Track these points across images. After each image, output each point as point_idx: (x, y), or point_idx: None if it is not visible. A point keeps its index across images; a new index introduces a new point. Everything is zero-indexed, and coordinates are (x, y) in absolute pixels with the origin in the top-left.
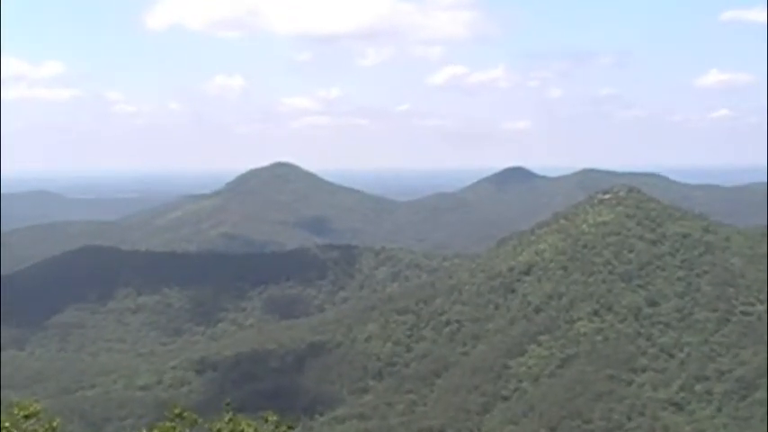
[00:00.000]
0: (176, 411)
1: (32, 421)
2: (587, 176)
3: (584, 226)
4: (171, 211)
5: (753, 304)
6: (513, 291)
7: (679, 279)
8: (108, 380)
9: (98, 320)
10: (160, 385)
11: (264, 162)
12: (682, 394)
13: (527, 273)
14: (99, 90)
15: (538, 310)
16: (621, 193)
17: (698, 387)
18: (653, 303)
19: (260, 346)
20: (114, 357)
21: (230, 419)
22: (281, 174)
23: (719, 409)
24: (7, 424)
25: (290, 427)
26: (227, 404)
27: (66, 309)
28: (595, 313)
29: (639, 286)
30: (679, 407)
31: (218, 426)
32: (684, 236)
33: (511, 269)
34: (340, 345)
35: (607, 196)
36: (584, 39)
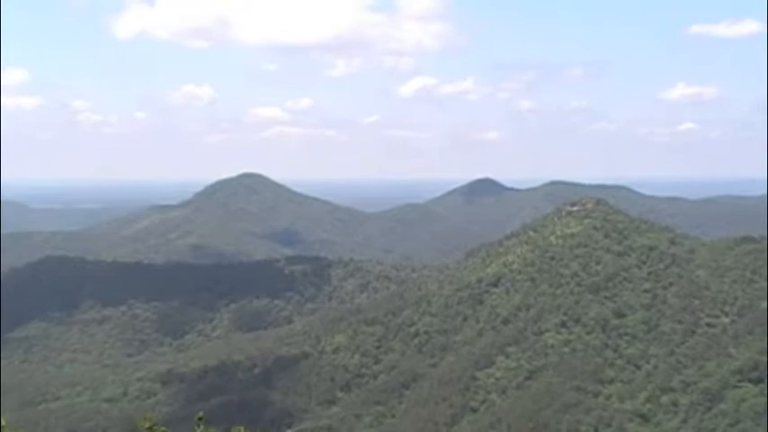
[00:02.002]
0: (147, 425)
1: None
2: (555, 188)
3: (551, 238)
4: (137, 221)
5: (718, 316)
6: (481, 302)
7: (645, 291)
8: (73, 392)
9: (62, 332)
10: (126, 397)
11: (233, 172)
12: (648, 405)
13: (495, 284)
14: (65, 98)
15: (506, 322)
16: (589, 206)
17: (664, 398)
18: (620, 315)
19: (227, 358)
20: (79, 369)
21: None
22: (250, 184)
23: (685, 421)
24: None
25: None
26: (200, 418)
27: (30, 320)
28: (563, 325)
29: (606, 298)
30: (645, 418)
31: None
32: (651, 248)
33: (479, 280)
34: (308, 356)
35: (575, 208)
36: (553, 51)
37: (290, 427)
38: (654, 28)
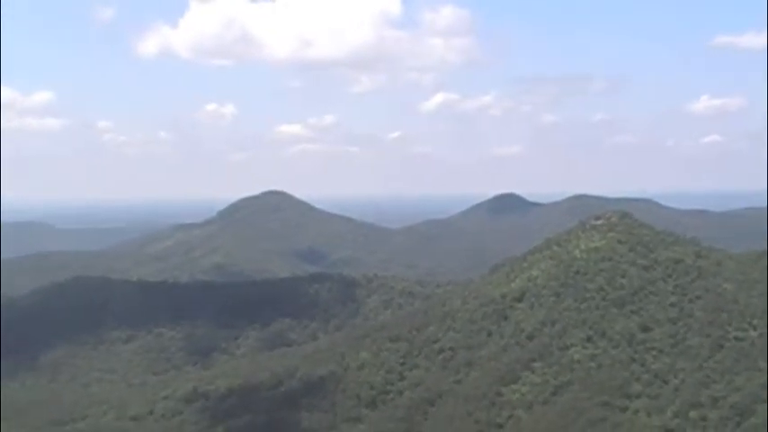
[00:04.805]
0: None
1: None
2: (579, 202)
3: (576, 252)
4: (162, 240)
5: (746, 330)
6: (506, 317)
7: (672, 305)
8: (99, 411)
9: (88, 351)
10: (152, 416)
11: (256, 190)
12: (676, 421)
13: (520, 299)
14: (89, 119)
15: (531, 337)
16: (613, 219)
17: (692, 413)
18: (646, 329)
19: (252, 376)
20: (105, 388)
21: None
22: (273, 202)
23: None
24: None
25: None
26: None
27: (57, 339)
28: (588, 339)
29: (632, 312)
30: None
31: None
32: (677, 261)
33: (504, 296)
34: (333, 373)
35: (599, 222)
36: (576, 64)
37: None
38: (677, 40)
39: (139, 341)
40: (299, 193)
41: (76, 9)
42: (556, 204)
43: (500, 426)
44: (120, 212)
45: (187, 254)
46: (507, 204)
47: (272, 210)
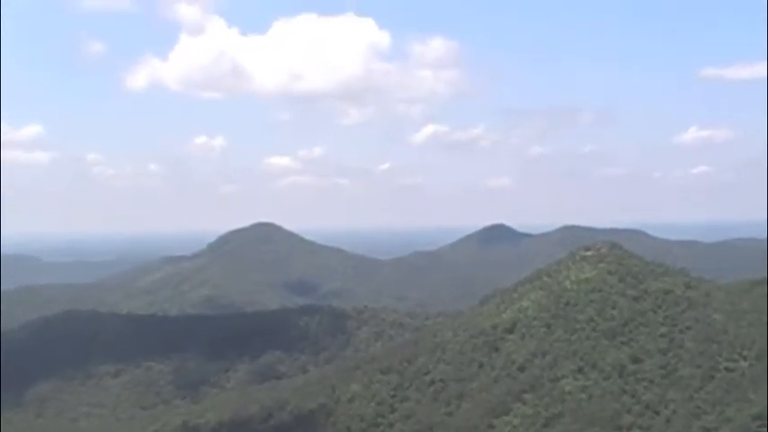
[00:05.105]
0: None
1: None
2: (569, 233)
3: (566, 283)
4: (151, 272)
5: (736, 360)
6: (496, 349)
7: (662, 335)
8: None
9: (77, 385)
10: None
11: (246, 222)
12: None
13: (510, 330)
14: (78, 152)
15: (522, 369)
16: (603, 250)
17: None
18: (637, 360)
19: (242, 409)
20: (94, 423)
21: None
22: (263, 234)
23: None
24: None
25: None
26: None
27: (45, 373)
28: (579, 371)
29: (623, 343)
30: None
31: None
32: (666, 292)
33: (494, 327)
34: (323, 406)
35: (589, 253)
36: (565, 96)
37: None
38: (665, 72)
39: (128, 375)
40: (289, 224)
41: (66, 42)
42: (546, 235)
43: None
44: (110, 245)
45: (177, 287)
46: (497, 235)
47: (261, 242)
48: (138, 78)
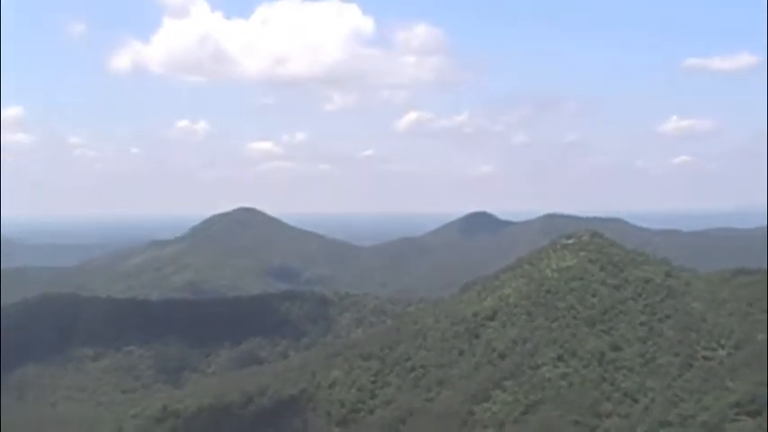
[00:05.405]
0: None
1: None
2: (551, 221)
3: (547, 271)
4: (133, 256)
5: (714, 349)
6: (477, 336)
7: (642, 324)
8: (67, 430)
9: (56, 369)
10: None
11: (228, 207)
12: None
13: (491, 318)
14: (60, 135)
15: (502, 356)
16: (584, 238)
17: None
18: (616, 348)
19: (223, 395)
20: (73, 407)
21: None
22: (245, 219)
23: None
24: None
25: None
26: None
27: (24, 357)
28: (559, 358)
29: (603, 331)
30: None
31: None
32: (647, 281)
33: (475, 314)
34: (304, 392)
35: (570, 241)
36: (549, 85)
37: None
38: (649, 61)
39: (108, 359)
40: (272, 210)
41: (48, 23)
42: (528, 223)
43: None
44: (91, 229)
45: (158, 271)
46: (479, 223)
47: (244, 227)
48: (121, 61)
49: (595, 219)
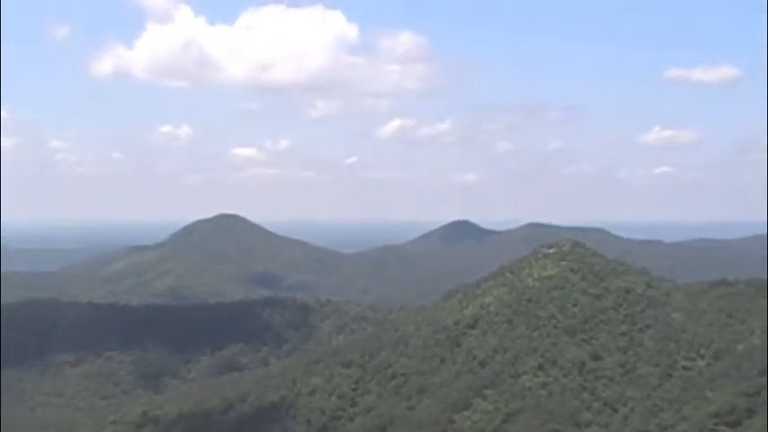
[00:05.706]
0: None
1: None
2: (533, 230)
3: (529, 280)
4: (114, 262)
5: (694, 359)
6: (458, 344)
7: (622, 334)
8: None
9: (36, 374)
10: None
11: (210, 213)
12: None
13: (473, 326)
14: (41, 138)
15: (483, 364)
16: (566, 248)
17: None
18: (596, 357)
19: (203, 401)
20: (52, 412)
21: None
22: (227, 225)
23: None
24: None
25: None
26: None
27: (4, 361)
28: (540, 367)
29: (583, 340)
30: None
31: None
32: (627, 291)
33: (456, 322)
34: (284, 399)
35: (552, 250)
36: (532, 94)
37: None
38: (631, 71)
39: (88, 365)
40: (254, 216)
41: (30, 27)
42: (510, 232)
43: None
44: (72, 233)
45: (139, 276)
46: (461, 231)
47: (225, 233)
48: (104, 65)
49: (577, 228)
